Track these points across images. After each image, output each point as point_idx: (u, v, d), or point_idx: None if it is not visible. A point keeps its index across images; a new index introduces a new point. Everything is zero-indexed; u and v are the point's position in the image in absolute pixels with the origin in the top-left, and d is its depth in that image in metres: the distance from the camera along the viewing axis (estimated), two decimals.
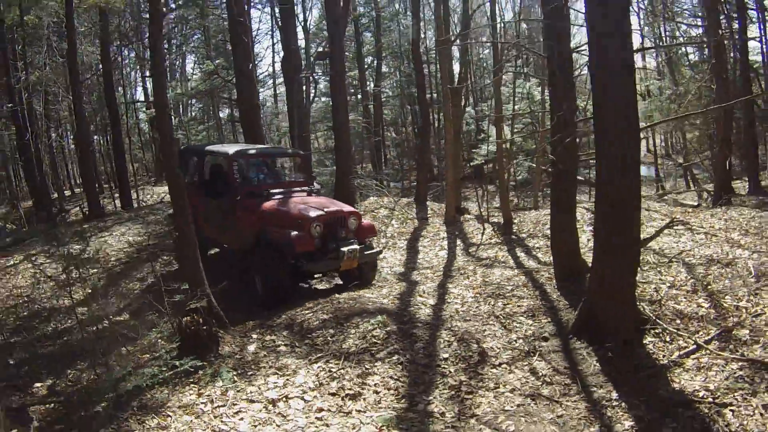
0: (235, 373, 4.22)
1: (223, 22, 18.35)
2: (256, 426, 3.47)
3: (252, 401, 3.79)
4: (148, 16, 6.49)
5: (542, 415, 3.16)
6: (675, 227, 7.14)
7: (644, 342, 3.88)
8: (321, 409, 3.59)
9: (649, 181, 17.29)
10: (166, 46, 21.02)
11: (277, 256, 6.47)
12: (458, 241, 8.85)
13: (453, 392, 3.56)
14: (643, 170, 19.78)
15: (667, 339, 3.91)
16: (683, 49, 15.83)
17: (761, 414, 2.99)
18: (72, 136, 26.58)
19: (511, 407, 3.29)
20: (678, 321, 4.16)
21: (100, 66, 21.50)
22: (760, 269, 5.05)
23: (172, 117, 18.52)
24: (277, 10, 13.54)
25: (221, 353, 4.55)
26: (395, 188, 14.92)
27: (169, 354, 4.16)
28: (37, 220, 13.75)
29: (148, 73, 23.45)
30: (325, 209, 6.82)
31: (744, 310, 4.30)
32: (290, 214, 6.81)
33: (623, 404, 3.19)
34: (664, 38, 18.36)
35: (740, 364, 3.49)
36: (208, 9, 17.28)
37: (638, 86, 16.18)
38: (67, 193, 22.12)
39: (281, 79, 22.89)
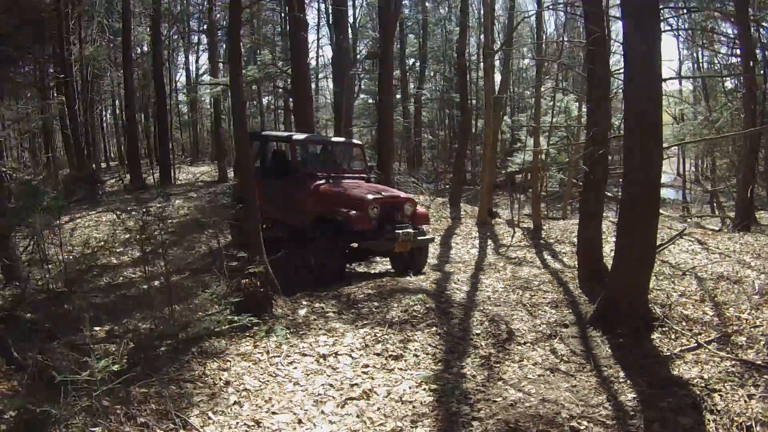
0: (287, 331, 4.86)
1: (269, 14, 19.14)
2: (308, 375, 4.10)
3: (304, 355, 4.43)
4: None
5: (559, 384, 3.76)
6: (692, 247, 7.67)
7: (652, 336, 4.44)
8: (367, 365, 4.22)
9: (675, 204, 17.65)
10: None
11: (334, 234, 6.89)
12: (489, 241, 9.45)
13: (483, 361, 4.17)
14: (671, 193, 20.08)
15: (672, 336, 4.46)
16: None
17: (745, 401, 3.54)
18: (109, 112, 27.72)
19: (533, 376, 3.90)
20: (684, 323, 4.71)
21: (145, 46, 22.49)
22: (764, 288, 5.55)
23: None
24: (330, 8, 14.29)
25: (275, 314, 5.20)
26: (428, 189, 15.51)
27: (228, 310, 4.84)
28: (78, 187, 14.56)
29: (200, 57, 24.35)
30: (383, 193, 7.32)
31: (744, 321, 4.82)
32: (349, 195, 7.24)
33: (628, 381, 3.77)
34: (701, 64, 18.70)
35: (733, 363, 4.03)
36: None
37: (672, 110, 16.55)
38: (103, 165, 23.05)
39: (323, 74, 23.72)
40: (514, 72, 21.69)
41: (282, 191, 7.97)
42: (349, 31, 16.44)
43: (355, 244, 7.18)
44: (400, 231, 6.89)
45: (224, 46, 25.17)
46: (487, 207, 11.20)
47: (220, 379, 3.90)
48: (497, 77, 16.95)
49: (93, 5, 18.37)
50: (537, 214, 9.59)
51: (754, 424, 3.23)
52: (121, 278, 7.16)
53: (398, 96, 22.11)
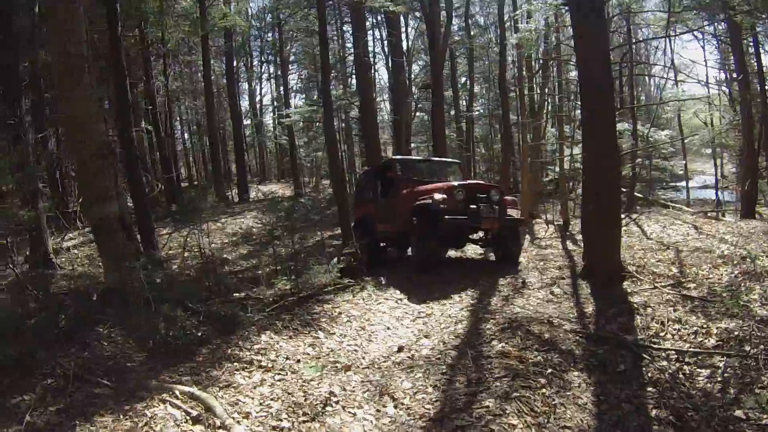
0: (374, 288, 7.20)
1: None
2: (390, 308, 6.47)
3: (387, 299, 6.76)
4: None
5: (549, 306, 5.90)
6: (687, 230, 9.52)
7: (622, 284, 6.45)
8: (428, 302, 6.52)
9: (708, 204, 19.01)
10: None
11: (425, 219, 7.75)
12: (527, 236, 11.51)
13: (503, 298, 6.35)
14: (711, 195, 21.29)
15: (638, 283, 6.43)
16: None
17: (669, 311, 5.53)
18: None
19: (534, 303, 6.06)
20: (650, 276, 6.67)
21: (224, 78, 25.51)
22: (727, 255, 7.41)
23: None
24: (386, 48, 16.71)
25: (364, 279, 7.56)
26: None
27: (334, 276, 7.20)
28: (172, 203, 17.01)
29: (263, 85, 27.39)
30: (468, 181, 8.20)
31: (700, 275, 6.71)
32: (437, 186, 8.12)
33: (593, 302, 5.87)
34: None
35: (675, 296, 6.00)
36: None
37: (703, 115, 17.98)
38: (185, 184, 25.97)
39: (380, 98, 26.21)
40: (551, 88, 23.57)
41: (388, 205, 9.01)
42: (404, 57, 18.91)
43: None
44: (483, 207, 7.65)
45: (296, 77, 28.25)
46: (528, 210, 13.21)
47: (334, 311, 6.25)
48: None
49: (174, 43, 21.36)
50: (565, 212, 11.53)
51: (666, 321, 5.28)
52: (237, 267, 9.72)
53: (452, 113, 24.37)
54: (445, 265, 8.05)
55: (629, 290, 6.21)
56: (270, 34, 27.48)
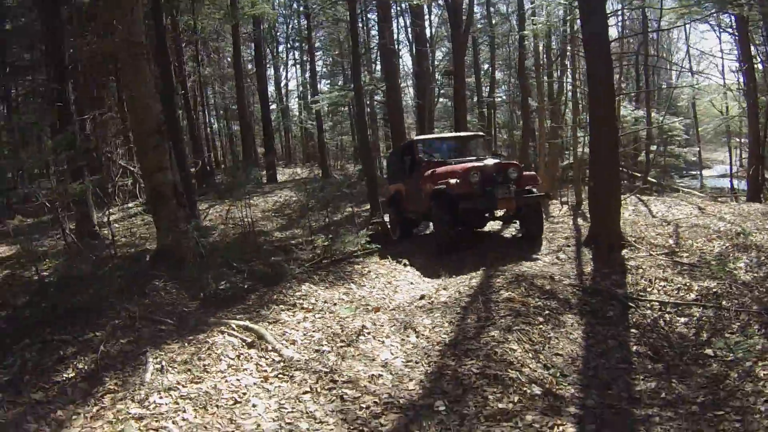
0: (396, 254, 8.03)
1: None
2: (414, 269, 7.26)
3: (406, 265, 7.58)
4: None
5: (554, 267, 6.65)
6: (692, 211, 10.14)
7: (621, 252, 7.16)
8: (447, 266, 7.31)
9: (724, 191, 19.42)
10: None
11: (443, 205, 7.96)
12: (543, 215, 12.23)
13: (515, 262, 7.10)
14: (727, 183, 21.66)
15: (635, 251, 7.14)
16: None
17: (662, 272, 6.21)
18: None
19: (540, 265, 6.82)
20: (648, 246, 7.37)
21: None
22: (723, 231, 8.06)
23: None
24: (410, 37, 17.37)
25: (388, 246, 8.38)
26: None
27: (363, 243, 8.02)
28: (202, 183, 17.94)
29: (288, 70, 28.27)
30: (485, 163, 8.11)
31: (694, 246, 7.39)
32: (454, 169, 8.24)
33: (593, 265, 6.61)
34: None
35: (666, 261, 6.69)
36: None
37: (719, 104, 18.35)
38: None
39: (404, 84, 26.87)
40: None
41: (413, 186, 9.15)
42: (427, 45, 19.59)
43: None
44: (498, 190, 7.76)
45: (321, 63, 29.05)
46: (546, 192, 13.87)
47: (364, 270, 7.08)
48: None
49: (205, 30, 22.22)
50: (578, 193, 12.19)
51: (654, 279, 6.00)
52: (273, 238, 10.58)
53: (474, 99, 24.94)
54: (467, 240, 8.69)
55: (627, 256, 6.92)
56: (296, 21, 28.23)
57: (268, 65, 31.57)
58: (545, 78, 13.27)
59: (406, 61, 28.32)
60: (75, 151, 10.19)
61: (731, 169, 18.19)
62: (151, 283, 6.51)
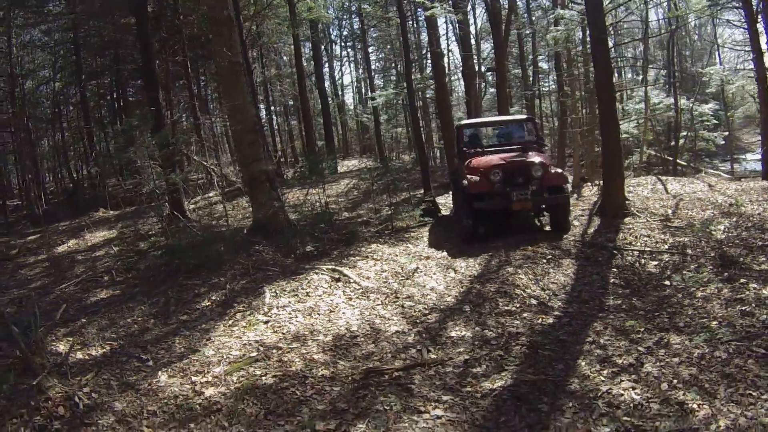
0: (445, 225, 9.98)
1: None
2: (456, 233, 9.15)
3: (449, 232, 9.49)
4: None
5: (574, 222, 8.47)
6: (701, 187, 11.63)
7: (624, 219, 8.86)
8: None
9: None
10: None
11: (465, 198, 8.40)
12: (574, 195, 13.89)
13: (535, 230, 8.94)
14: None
15: (636, 218, 8.81)
16: None
17: (649, 231, 7.94)
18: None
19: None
20: (649, 214, 9.05)
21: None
22: (719, 203, 9.59)
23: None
24: (457, 33, 19.14)
25: (437, 219, 10.33)
26: None
27: (418, 217, 10.01)
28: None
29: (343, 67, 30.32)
30: (507, 160, 8.37)
31: (688, 216, 9.01)
32: (479, 164, 8.55)
33: (597, 228, 8.39)
34: None
35: (658, 225, 8.34)
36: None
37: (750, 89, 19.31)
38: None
39: (455, 77, 28.57)
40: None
41: (460, 170, 9.46)
42: (472, 39, 21.31)
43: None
44: (515, 192, 8.05)
45: (374, 59, 31.06)
46: (579, 175, 15.49)
47: (419, 235, 9.08)
48: None
49: (269, 35, 24.53)
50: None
51: (639, 236, 7.75)
52: (342, 217, 12.69)
53: (520, 90, 26.36)
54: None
55: (626, 221, 8.64)
56: (348, 22, 30.32)
57: (324, 63, 33.92)
58: (576, 71, 14.72)
59: (455, 55, 30.12)
60: (170, 148, 12.61)
61: (763, 151, 19.11)
62: (252, 247, 8.66)
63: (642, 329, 4.99)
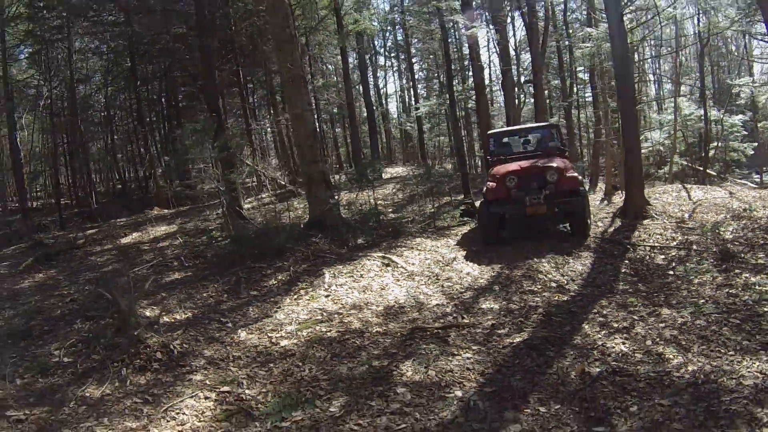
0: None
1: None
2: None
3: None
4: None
5: (594, 227, 9.49)
6: (722, 195, 12.43)
7: (643, 220, 9.82)
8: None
9: None
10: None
11: (484, 205, 9.04)
12: (605, 201, 14.82)
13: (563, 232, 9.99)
14: None
15: (654, 220, 9.76)
16: None
17: (662, 230, 8.90)
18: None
19: None
20: (666, 217, 9.98)
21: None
22: (732, 208, 10.41)
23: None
24: (497, 47, 20.24)
25: (474, 220, 11.47)
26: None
27: (457, 217, 11.16)
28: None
29: (387, 76, 31.65)
30: (522, 166, 8.89)
31: (703, 219, 9.89)
32: (498, 171, 9.09)
33: (619, 224, 9.40)
34: None
35: (672, 226, 9.31)
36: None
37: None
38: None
39: (497, 88, 29.57)
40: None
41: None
42: (512, 50, 22.33)
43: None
44: (528, 197, 8.45)
45: (418, 67, 32.34)
46: (611, 183, 16.40)
47: (458, 232, 10.23)
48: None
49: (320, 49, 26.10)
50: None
51: (653, 234, 8.73)
52: (388, 216, 13.92)
53: (560, 102, 27.21)
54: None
55: (645, 223, 9.62)
56: (393, 33, 31.68)
57: (368, 71, 35.39)
58: (605, 84, 15.63)
59: (497, 65, 31.12)
60: (231, 150, 14.09)
61: None
62: (310, 239, 9.91)
63: (639, 305, 6.06)
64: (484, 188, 9.08)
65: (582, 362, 4.74)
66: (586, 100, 26.60)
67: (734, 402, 4.04)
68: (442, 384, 4.52)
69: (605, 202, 13.10)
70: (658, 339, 5.09)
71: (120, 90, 25.39)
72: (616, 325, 5.51)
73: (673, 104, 16.55)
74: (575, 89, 25.15)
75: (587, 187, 13.46)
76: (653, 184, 14.63)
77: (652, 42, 21.93)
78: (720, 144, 17.82)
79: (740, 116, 17.06)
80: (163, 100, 26.94)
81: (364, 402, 4.34)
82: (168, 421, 4.31)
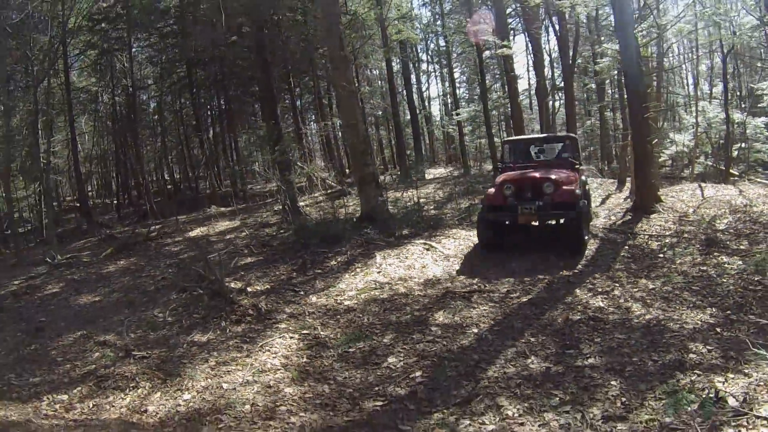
0: None
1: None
2: None
3: None
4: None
5: (600, 221, 11.08)
6: (732, 192, 13.71)
7: (651, 215, 11.23)
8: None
9: None
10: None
11: (482, 210, 9.47)
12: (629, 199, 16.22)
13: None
14: None
15: (661, 215, 11.22)
16: None
17: (663, 222, 10.40)
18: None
19: (595, 221, 11.26)
20: (673, 212, 11.42)
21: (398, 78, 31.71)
22: (736, 204, 11.76)
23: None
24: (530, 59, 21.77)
25: None
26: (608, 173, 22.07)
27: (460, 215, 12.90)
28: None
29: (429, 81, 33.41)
30: (521, 175, 9.18)
31: (705, 213, 11.31)
32: (500, 178, 9.54)
33: (630, 217, 10.95)
34: None
35: (674, 219, 10.77)
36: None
37: None
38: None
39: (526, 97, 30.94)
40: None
41: None
42: (546, 56, 23.76)
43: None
44: (521, 206, 8.71)
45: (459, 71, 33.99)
46: (635, 183, 17.76)
47: (458, 232, 11.93)
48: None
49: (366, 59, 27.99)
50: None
51: (652, 225, 10.27)
52: (429, 213, 15.68)
53: (595, 104, 28.51)
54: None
55: (651, 217, 11.08)
56: (435, 39, 33.39)
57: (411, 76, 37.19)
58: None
59: (532, 72, 32.51)
60: (289, 155, 16.13)
61: None
62: (362, 230, 11.75)
63: (624, 277, 7.72)
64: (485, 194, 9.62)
65: (567, 312, 6.48)
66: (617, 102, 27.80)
67: (674, 337, 5.73)
68: (464, 325, 6.36)
69: (628, 200, 14.52)
70: (629, 298, 6.79)
71: (175, 96, 27.53)
72: (600, 290, 7.21)
73: (704, 106, 17.69)
74: (609, 92, 26.41)
75: (601, 199, 14.25)
76: (679, 182, 15.91)
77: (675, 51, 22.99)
78: (743, 145, 18.88)
79: (763, 118, 18.14)
80: (218, 104, 29.00)
81: (408, 336, 6.22)
82: (264, 353, 6.23)
